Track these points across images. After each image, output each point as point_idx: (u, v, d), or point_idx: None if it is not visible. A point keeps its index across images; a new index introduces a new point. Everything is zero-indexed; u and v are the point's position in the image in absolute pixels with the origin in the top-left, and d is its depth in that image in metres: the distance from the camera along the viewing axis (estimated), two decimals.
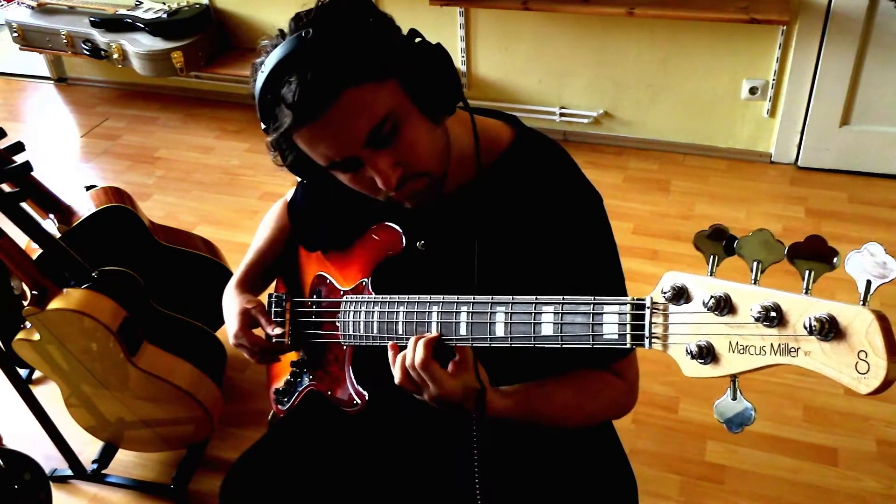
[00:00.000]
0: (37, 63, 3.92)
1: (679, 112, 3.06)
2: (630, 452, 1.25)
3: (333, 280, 1.19)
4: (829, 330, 0.63)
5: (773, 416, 1.99)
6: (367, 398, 1.11)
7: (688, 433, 1.96)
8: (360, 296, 1.11)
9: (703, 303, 0.71)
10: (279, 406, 1.29)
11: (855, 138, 2.88)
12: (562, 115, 3.18)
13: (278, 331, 1.18)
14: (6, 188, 1.70)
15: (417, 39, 0.96)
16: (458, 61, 3.15)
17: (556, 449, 1.16)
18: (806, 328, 0.64)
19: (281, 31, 0.94)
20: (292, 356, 1.27)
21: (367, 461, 1.22)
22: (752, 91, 2.91)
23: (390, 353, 1.00)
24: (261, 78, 0.92)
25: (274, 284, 1.37)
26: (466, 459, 1.19)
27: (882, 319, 0.62)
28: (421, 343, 0.96)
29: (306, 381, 1.24)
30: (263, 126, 0.97)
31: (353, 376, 1.13)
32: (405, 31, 0.97)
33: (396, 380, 0.99)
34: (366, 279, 1.12)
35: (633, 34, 2.94)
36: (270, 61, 0.91)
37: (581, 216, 1.07)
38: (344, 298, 1.13)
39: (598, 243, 1.08)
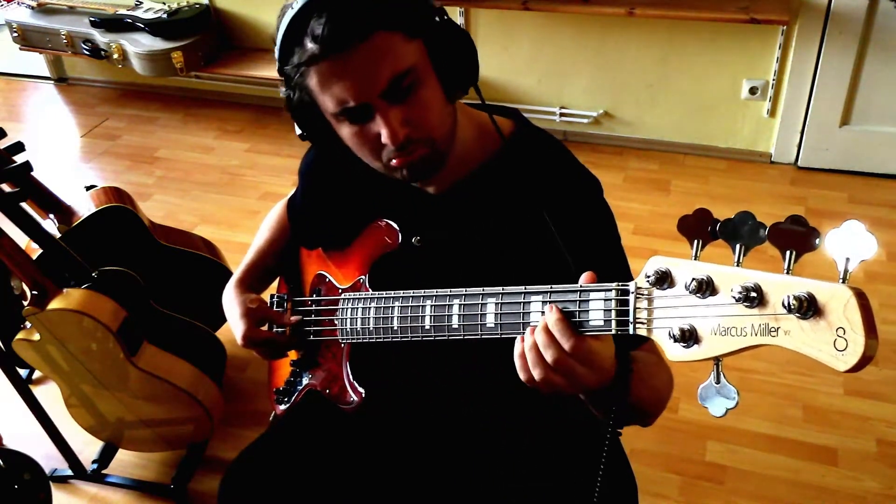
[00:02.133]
0: (37, 63, 3.92)
1: (679, 112, 3.06)
2: (630, 452, 1.24)
3: (332, 278, 1.19)
4: (808, 308, 0.63)
5: (773, 416, 1.99)
6: (363, 395, 1.11)
7: (688, 433, 1.96)
8: (358, 293, 1.11)
9: (686, 285, 0.72)
10: (279, 406, 1.29)
11: (855, 138, 2.88)
12: (562, 115, 3.18)
13: (294, 318, 1.19)
14: (6, 188, 1.70)
15: (446, 17, 0.98)
16: None
17: (557, 449, 1.16)
18: (785, 307, 0.64)
19: None
20: (292, 356, 1.27)
21: (366, 459, 1.23)
22: (752, 91, 2.91)
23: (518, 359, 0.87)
24: (290, 13, 0.92)
25: (276, 284, 1.37)
26: (465, 457, 1.20)
27: (860, 296, 0.61)
28: (557, 322, 0.83)
29: (305, 380, 1.24)
30: (279, 64, 0.97)
31: (350, 373, 1.13)
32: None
33: (537, 376, 0.85)
34: (363, 276, 1.12)
35: (633, 34, 2.94)
36: None
37: (582, 203, 1.08)
38: (342, 296, 1.14)
39: (600, 229, 1.09)
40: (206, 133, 3.49)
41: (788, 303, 0.63)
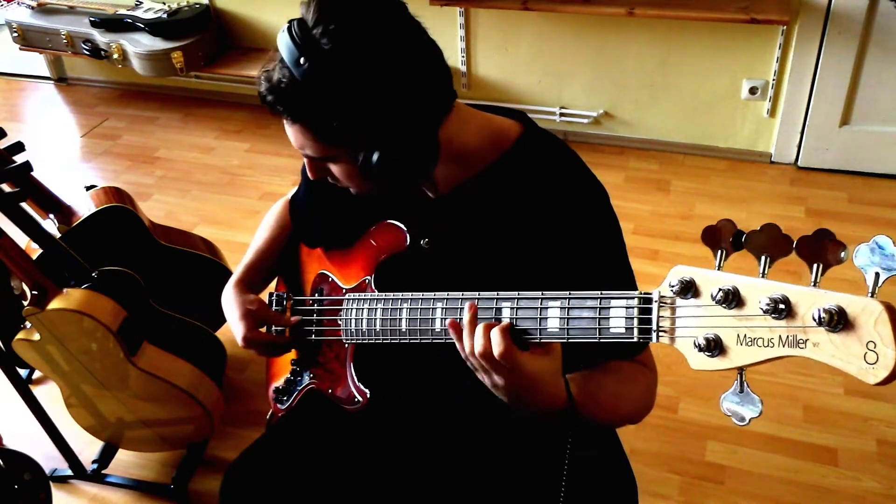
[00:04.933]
0: (37, 63, 3.92)
1: (679, 112, 3.06)
2: (630, 452, 1.25)
3: (335, 278, 1.19)
4: (837, 321, 0.63)
5: (773, 416, 1.99)
6: (368, 396, 1.11)
7: (688, 433, 1.96)
8: (363, 293, 1.11)
9: (712, 296, 0.72)
10: (278, 405, 1.29)
11: (855, 138, 2.88)
12: (562, 115, 3.18)
13: (294, 318, 1.20)
14: (6, 188, 1.70)
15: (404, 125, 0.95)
16: (458, 61, 3.15)
17: (556, 449, 1.16)
18: (815, 320, 0.64)
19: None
20: (292, 355, 1.27)
21: (368, 460, 1.22)
22: (752, 91, 2.91)
23: (453, 333, 0.94)
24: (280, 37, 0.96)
25: (275, 283, 1.37)
26: (466, 458, 1.20)
27: (891, 310, 0.62)
28: (498, 332, 0.89)
29: (306, 379, 1.23)
30: None
31: (354, 374, 1.13)
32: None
33: (472, 348, 0.91)
34: (369, 277, 1.12)
35: (633, 34, 2.94)
36: (281, 38, 0.93)
37: (588, 210, 1.08)
38: (346, 296, 1.13)
39: (606, 236, 1.09)
40: (206, 133, 3.49)
41: (818, 316, 0.64)
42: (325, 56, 0.89)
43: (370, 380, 1.12)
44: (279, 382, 1.30)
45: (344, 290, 1.15)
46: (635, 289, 1.08)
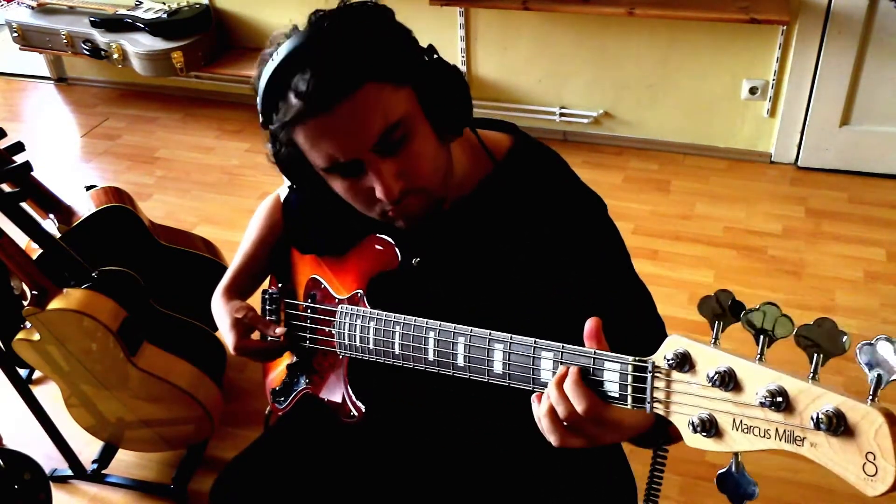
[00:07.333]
0: (37, 63, 3.92)
1: (679, 112, 3.06)
2: (630, 452, 1.24)
3: (328, 286, 1.16)
4: (837, 426, 0.61)
5: None
6: (364, 411, 1.09)
7: None
8: (356, 307, 1.08)
9: (708, 377, 0.69)
10: (276, 405, 1.29)
11: (855, 138, 2.88)
12: (562, 115, 3.17)
13: (280, 330, 1.16)
14: (6, 188, 1.70)
15: (436, 56, 0.94)
16: (459, 61, 3.15)
17: (556, 448, 1.16)
18: (813, 421, 0.62)
19: (295, 26, 0.91)
20: (287, 357, 1.26)
21: (362, 465, 1.22)
22: (752, 91, 2.91)
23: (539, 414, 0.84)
24: (271, 66, 0.88)
25: (267, 280, 1.35)
26: (462, 468, 1.19)
27: (891, 420, 0.60)
28: (574, 385, 0.79)
29: (303, 383, 1.23)
30: (262, 119, 0.93)
31: (350, 391, 1.11)
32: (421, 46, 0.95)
33: (555, 441, 0.83)
34: (361, 291, 1.09)
35: (633, 34, 2.94)
36: (284, 49, 0.88)
37: (586, 223, 1.04)
38: (339, 308, 1.11)
39: (608, 249, 1.05)
40: (206, 133, 3.49)
41: (817, 418, 0.62)
42: (336, 14, 0.89)
43: (366, 394, 1.10)
44: (276, 385, 1.29)
45: (336, 301, 1.13)
46: (649, 297, 1.04)
